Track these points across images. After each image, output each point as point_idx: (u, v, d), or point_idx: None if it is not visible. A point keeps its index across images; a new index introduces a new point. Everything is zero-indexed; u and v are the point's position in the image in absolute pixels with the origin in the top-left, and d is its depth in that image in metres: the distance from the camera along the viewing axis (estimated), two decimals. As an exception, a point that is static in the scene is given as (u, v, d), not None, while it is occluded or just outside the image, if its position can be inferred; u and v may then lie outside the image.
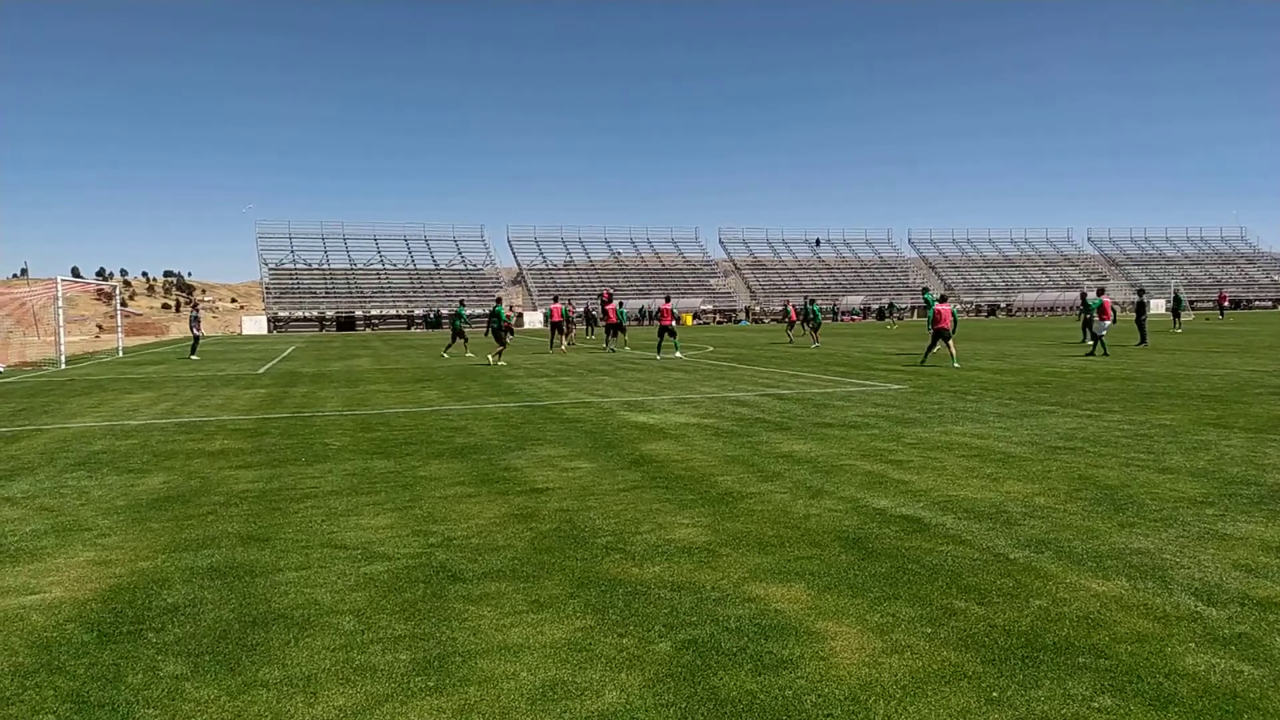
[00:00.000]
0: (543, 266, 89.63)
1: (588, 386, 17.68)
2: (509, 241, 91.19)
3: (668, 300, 29.12)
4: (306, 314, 76.94)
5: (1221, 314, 59.19)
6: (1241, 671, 3.80)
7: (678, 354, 26.87)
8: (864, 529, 6.25)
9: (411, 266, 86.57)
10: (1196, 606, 4.58)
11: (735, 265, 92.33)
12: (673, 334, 27.50)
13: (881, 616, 4.55)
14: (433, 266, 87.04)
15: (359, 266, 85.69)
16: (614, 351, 30.16)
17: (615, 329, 32.32)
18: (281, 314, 76.16)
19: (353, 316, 77.08)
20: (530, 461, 9.22)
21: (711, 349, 31.83)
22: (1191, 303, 57.79)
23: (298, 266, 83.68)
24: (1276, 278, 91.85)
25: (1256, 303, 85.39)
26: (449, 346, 30.29)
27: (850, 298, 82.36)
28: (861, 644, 4.21)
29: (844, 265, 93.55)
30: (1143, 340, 26.96)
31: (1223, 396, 13.47)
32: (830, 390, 15.93)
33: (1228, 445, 9.23)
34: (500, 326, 24.07)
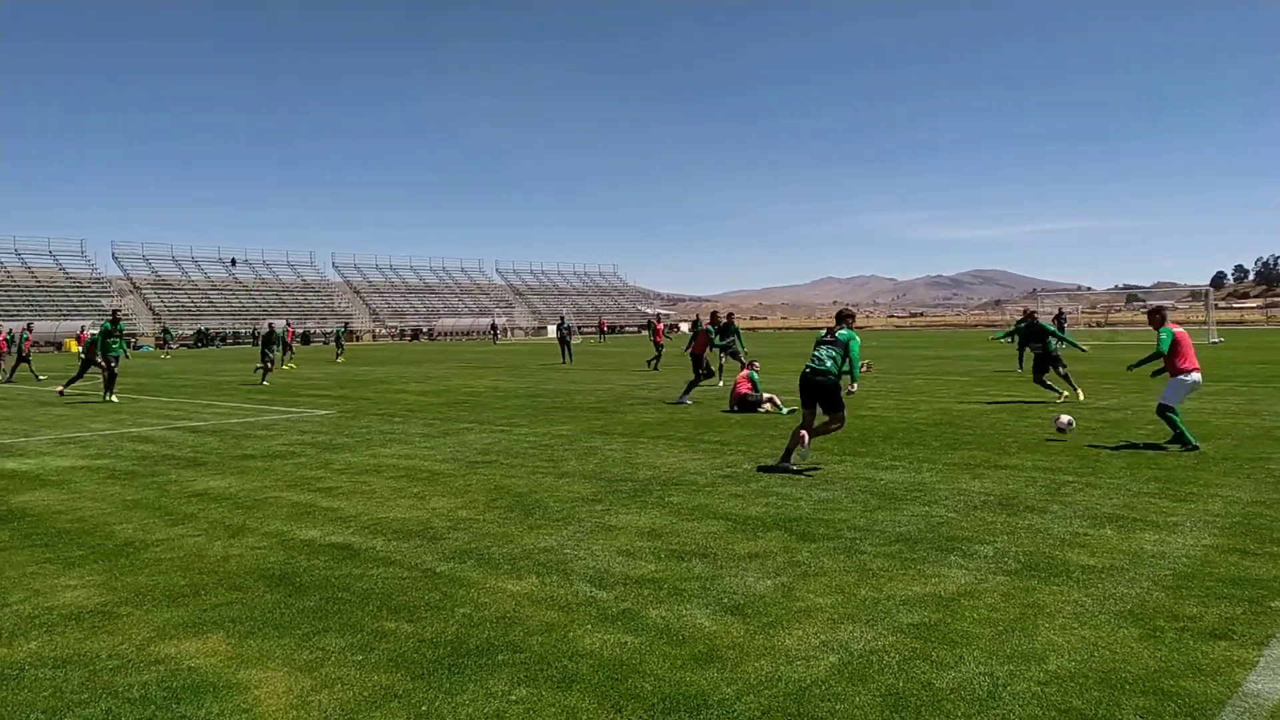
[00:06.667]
0: None
1: (-73, 430, 14.04)
2: None
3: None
4: None
5: (603, 337, 69.73)
6: (626, 642, 4.47)
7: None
8: (291, 563, 5.96)
9: None
10: (592, 592, 5.27)
11: (134, 284, 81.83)
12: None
13: (311, 653, 4.38)
14: None
15: None
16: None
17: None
18: None
19: None
20: None
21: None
22: (580, 328, 67.65)
23: None
24: (641, 307, 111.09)
25: (627, 328, 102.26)
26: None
27: (276, 321, 78.72)
28: (289, 686, 4.00)
29: (264, 287, 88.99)
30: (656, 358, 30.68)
31: (605, 408, 15.83)
32: (252, 420, 14.97)
33: (610, 449, 10.85)
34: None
